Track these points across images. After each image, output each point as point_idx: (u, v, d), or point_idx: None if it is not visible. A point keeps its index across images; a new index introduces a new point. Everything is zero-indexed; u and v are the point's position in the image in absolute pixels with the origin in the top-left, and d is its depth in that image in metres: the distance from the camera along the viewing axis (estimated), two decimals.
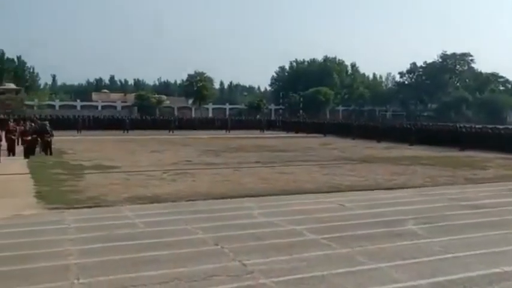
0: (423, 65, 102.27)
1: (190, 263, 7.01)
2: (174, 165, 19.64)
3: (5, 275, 6.44)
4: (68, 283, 6.19)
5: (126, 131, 47.38)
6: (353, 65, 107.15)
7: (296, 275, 6.58)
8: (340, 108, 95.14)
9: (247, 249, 7.76)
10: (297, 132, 51.86)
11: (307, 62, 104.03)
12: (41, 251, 7.52)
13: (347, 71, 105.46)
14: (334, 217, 10.34)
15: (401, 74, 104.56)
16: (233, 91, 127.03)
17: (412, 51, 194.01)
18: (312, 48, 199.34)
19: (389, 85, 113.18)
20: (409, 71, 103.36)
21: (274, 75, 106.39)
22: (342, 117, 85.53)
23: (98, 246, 7.81)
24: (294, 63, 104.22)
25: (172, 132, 48.97)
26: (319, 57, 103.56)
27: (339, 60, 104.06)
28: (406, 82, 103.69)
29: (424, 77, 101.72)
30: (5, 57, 79.02)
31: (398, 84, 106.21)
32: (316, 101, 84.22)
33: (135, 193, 12.81)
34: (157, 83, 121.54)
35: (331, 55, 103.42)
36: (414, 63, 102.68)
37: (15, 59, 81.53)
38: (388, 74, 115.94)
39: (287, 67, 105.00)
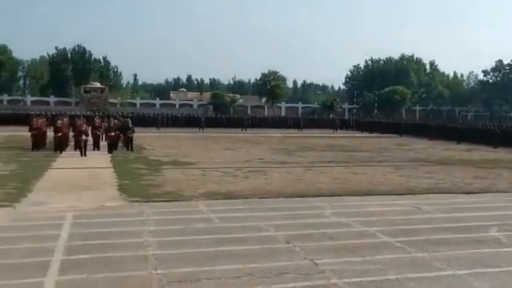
0: (510, 63, 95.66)
1: (262, 259, 7.12)
2: (247, 163, 19.94)
3: (90, 262, 6.89)
4: (147, 273, 6.51)
5: (201, 129, 48.76)
6: (432, 63, 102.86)
7: (369, 277, 6.47)
8: (417, 108, 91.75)
9: (319, 249, 7.73)
10: (371, 132, 50.69)
11: (383, 60, 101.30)
12: (122, 241, 7.97)
13: (425, 70, 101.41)
14: (409, 220, 10.03)
15: (486, 73, 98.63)
16: (306, 90, 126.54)
17: (497, 49, 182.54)
18: (389, 47, 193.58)
19: (472, 84, 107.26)
20: (494, 69, 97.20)
21: (349, 74, 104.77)
22: (419, 117, 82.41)
23: (175, 239, 8.15)
24: (370, 62, 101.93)
25: (245, 130, 49.72)
26: (396, 56, 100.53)
27: (416, 58, 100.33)
28: (491, 81, 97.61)
29: (511, 76, 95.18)
30: (92, 57, 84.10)
31: (481, 83, 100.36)
32: (391, 100, 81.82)
33: (210, 189, 13.18)
34: (231, 82, 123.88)
35: (408, 53, 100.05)
36: (500, 61, 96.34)
37: (101, 60, 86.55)
38: (470, 73, 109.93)
39: (362, 66, 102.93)
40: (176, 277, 6.34)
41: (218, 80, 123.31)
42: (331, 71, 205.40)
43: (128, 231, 8.61)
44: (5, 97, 69.73)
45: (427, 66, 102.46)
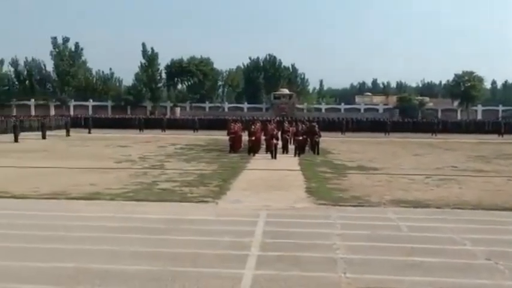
0: None
1: (458, 274, 6.64)
2: (438, 170, 18.74)
3: (282, 259, 7.29)
4: (336, 276, 6.63)
5: (387, 134, 47.46)
6: None
7: None
8: None
9: None
10: None
11: None
12: (311, 242, 8.24)
13: None
14: None
15: None
16: (508, 91, 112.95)
17: None
18: None
19: None
20: None
21: None
22: None
23: (362, 244, 8.12)
24: None
25: (435, 135, 46.74)
26: None
27: None
28: None
29: None
30: (282, 65, 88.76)
31: None
32: None
33: (398, 196, 12.77)
34: (420, 84, 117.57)
35: None
36: None
37: (290, 67, 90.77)
38: None
39: None
40: (365, 282, 6.32)
41: (405, 82, 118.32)
42: None
43: (317, 233, 8.88)
44: (207, 104, 78.21)
45: None
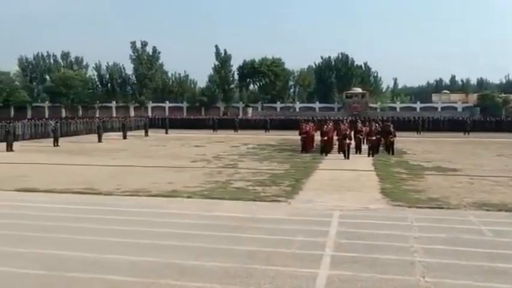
0: None
1: None
2: None
3: (357, 260, 7.21)
4: (415, 279, 6.45)
5: (466, 133, 45.13)
6: None
7: None
8: None
9: None
10: None
11: None
12: (387, 244, 8.07)
13: None
14: None
15: None
16: None
17: None
18: None
19: None
20: None
21: None
22: None
23: (442, 248, 7.83)
24: None
25: None
26: None
27: None
28: None
29: None
30: (354, 64, 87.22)
31: None
32: None
33: (479, 198, 12.15)
34: (503, 81, 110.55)
35: None
36: None
37: (362, 66, 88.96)
38: None
39: None
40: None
41: (486, 79, 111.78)
42: None
43: (393, 235, 8.67)
44: (278, 104, 78.52)
45: None
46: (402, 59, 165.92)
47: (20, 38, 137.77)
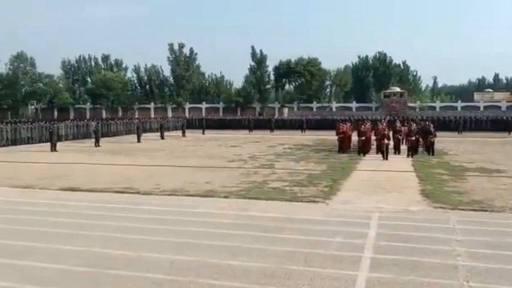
0: None
1: None
2: None
3: (397, 263, 7.06)
4: (458, 283, 6.26)
5: (510, 133, 43.56)
6: None
7: None
8: None
9: None
10: None
11: None
12: (428, 247, 7.86)
13: None
14: None
15: None
16: None
17: None
18: None
19: None
20: None
21: None
22: None
23: (486, 252, 7.57)
24: None
25: None
26: None
27: None
28: None
29: None
30: (393, 63, 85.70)
31: None
32: None
33: None
34: None
35: None
36: None
37: (401, 64, 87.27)
38: None
39: None
40: None
41: None
42: None
43: (434, 238, 8.45)
44: (314, 104, 78.00)
45: None
46: (442, 57, 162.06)
47: (62, 43, 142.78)
